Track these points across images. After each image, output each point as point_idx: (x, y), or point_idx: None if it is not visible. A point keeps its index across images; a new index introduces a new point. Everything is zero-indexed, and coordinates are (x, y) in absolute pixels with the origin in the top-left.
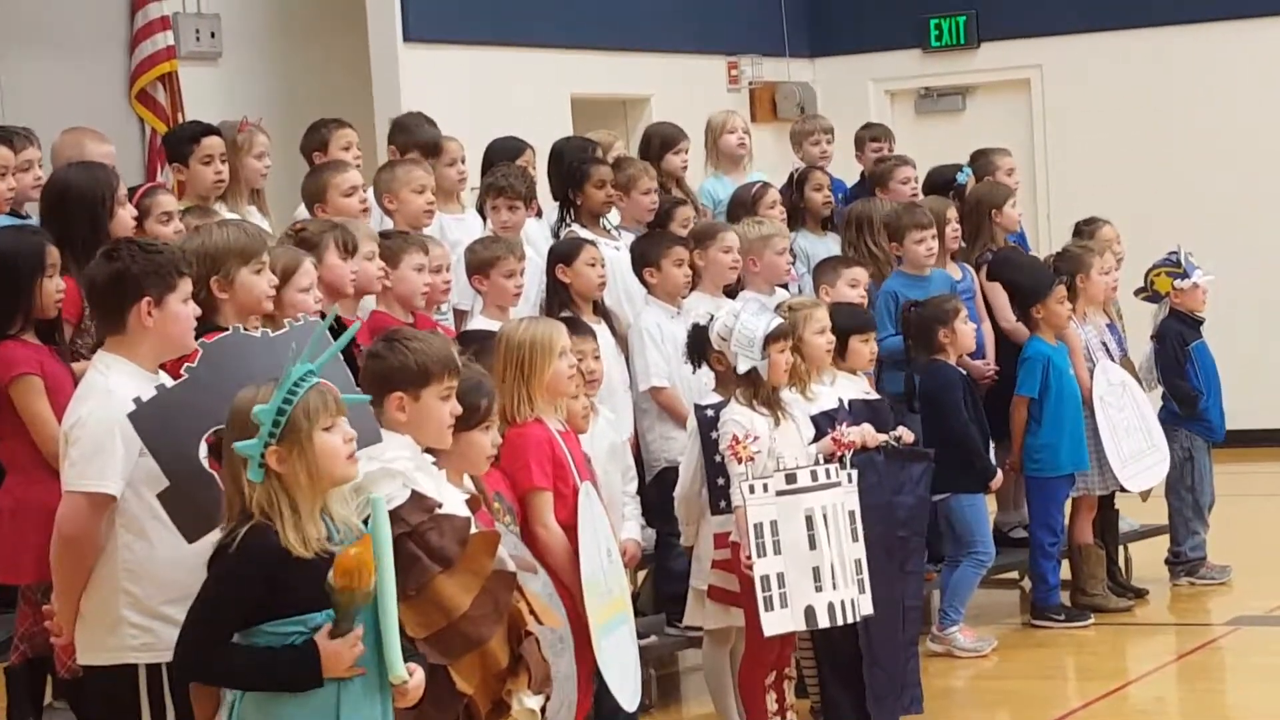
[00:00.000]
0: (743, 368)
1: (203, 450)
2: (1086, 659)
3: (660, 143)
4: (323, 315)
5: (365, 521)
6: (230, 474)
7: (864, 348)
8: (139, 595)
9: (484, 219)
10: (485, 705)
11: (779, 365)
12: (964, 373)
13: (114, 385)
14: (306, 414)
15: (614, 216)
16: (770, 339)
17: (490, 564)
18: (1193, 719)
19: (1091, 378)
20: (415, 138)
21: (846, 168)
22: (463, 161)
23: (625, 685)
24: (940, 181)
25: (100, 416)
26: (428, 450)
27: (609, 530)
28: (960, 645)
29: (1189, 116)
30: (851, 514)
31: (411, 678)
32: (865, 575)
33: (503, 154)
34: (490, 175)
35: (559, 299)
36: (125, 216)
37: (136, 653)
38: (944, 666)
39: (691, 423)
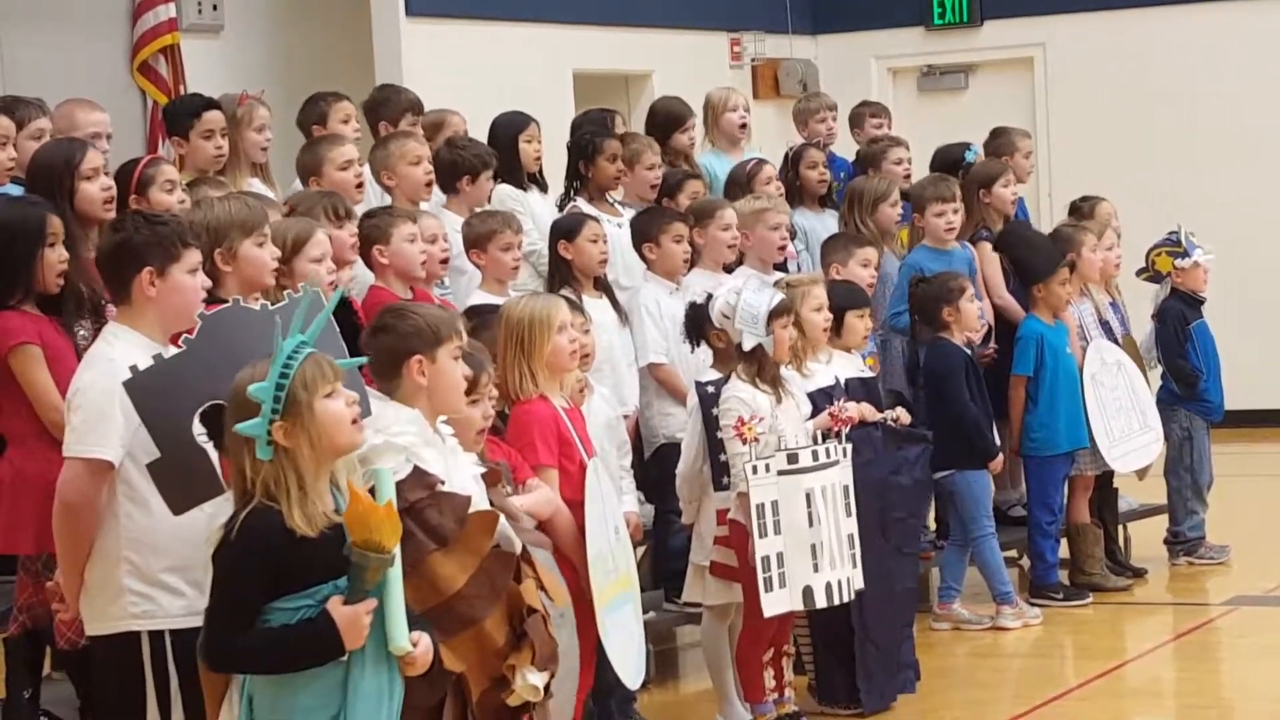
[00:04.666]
0: (748, 345)
1: (196, 424)
2: (1084, 638)
3: (667, 120)
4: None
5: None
6: (234, 458)
7: (859, 324)
8: (140, 563)
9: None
10: (481, 683)
11: (783, 341)
12: (968, 351)
13: (117, 354)
14: (304, 384)
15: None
16: (773, 315)
17: (488, 543)
18: (1190, 699)
19: (1085, 356)
20: (399, 105)
21: (849, 146)
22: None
23: (628, 663)
24: (948, 160)
25: (101, 385)
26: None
27: (617, 507)
28: (965, 618)
29: (1191, 95)
30: (845, 489)
31: (417, 646)
32: (857, 550)
33: (507, 128)
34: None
35: (559, 274)
36: (90, 190)
37: (138, 621)
38: (942, 645)
39: (692, 400)
